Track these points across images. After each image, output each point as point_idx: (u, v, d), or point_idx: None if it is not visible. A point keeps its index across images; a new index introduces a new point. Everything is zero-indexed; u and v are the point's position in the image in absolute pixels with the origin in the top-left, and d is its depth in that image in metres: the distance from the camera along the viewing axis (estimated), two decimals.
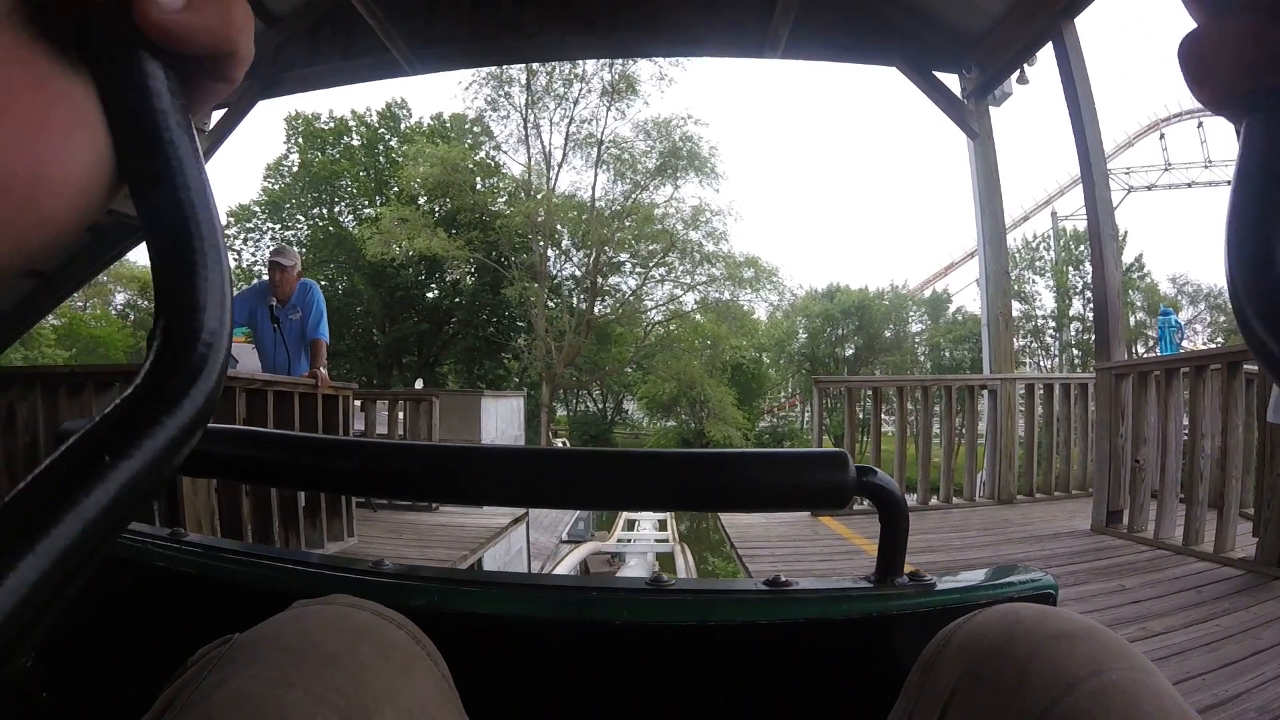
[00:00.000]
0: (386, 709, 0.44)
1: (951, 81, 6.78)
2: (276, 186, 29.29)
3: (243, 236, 28.46)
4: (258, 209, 28.86)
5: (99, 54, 0.27)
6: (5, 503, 0.22)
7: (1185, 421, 4.38)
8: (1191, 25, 0.27)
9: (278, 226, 29.10)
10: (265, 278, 4.94)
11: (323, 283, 26.36)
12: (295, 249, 5.03)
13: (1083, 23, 5.31)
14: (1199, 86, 0.27)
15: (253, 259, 27.51)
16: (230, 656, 0.45)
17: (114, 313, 28.51)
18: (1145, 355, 20.06)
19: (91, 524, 0.22)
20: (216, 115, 6.99)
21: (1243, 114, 0.27)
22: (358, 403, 6.21)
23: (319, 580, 0.67)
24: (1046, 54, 5.66)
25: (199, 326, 0.27)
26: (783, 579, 0.67)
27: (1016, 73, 6.41)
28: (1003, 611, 0.53)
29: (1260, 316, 0.26)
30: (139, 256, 29.29)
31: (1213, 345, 23.43)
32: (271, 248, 23.75)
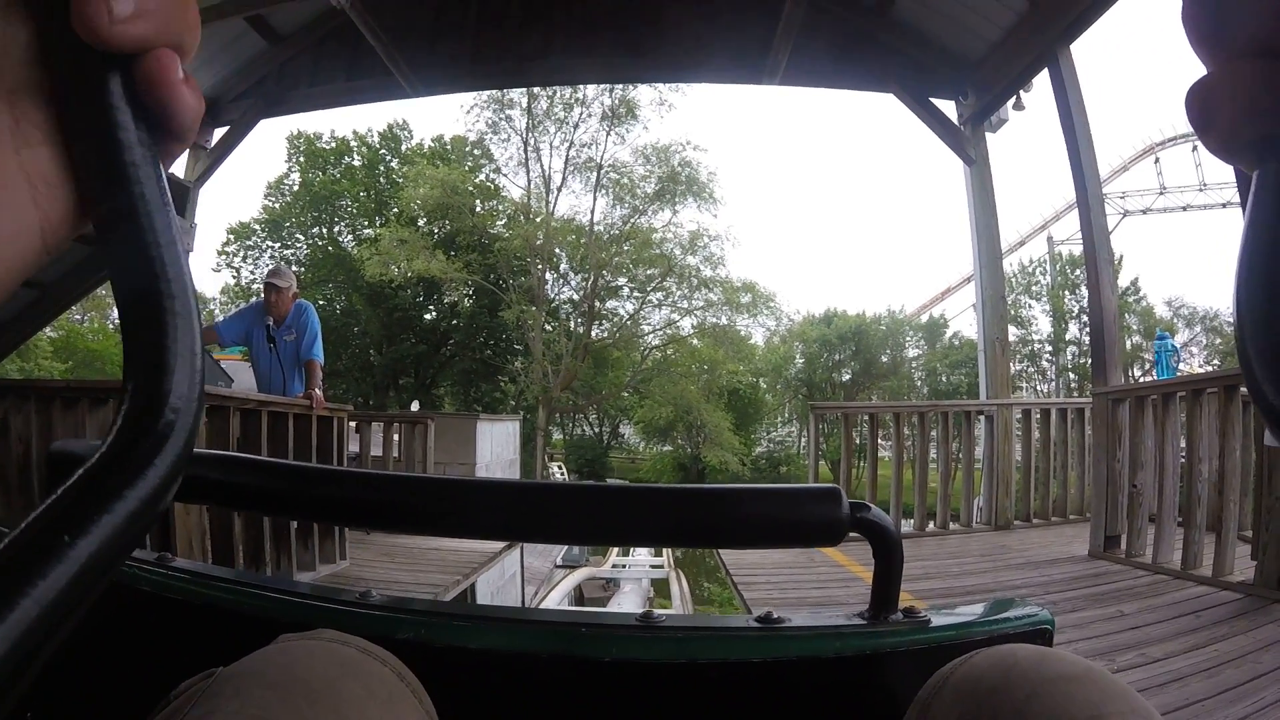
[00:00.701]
0: None
1: (948, 108, 6.85)
2: (277, 205, 29.43)
3: (242, 254, 28.59)
4: (258, 227, 28.98)
5: (79, 111, 0.26)
6: None
7: (1183, 445, 4.37)
8: (1200, 71, 0.26)
9: (277, 245, 29.20)
10: (261, 298, 4.95)
11: (321, 302, 26.43)
12: (291, 270, 5.06)
13: (1078, 49, 5.37)
14: (1207, 134, 0.26)
15: (251, 277, 27.60)
16: (214, 691, 0.44)
17: (111, 326, 28.47)
18: (1142, 379, 20.09)
19: (50, 606, 0.22)
20: (218, 133, 7.04)
21: (1254, 162, 0.26)
22: (353, 424, 6.19)
23: (306, 610, 0.66)
24: (1042, 80, 5.72)
25: (167, 391, 0.26)
26: (775, 615, 0.66)
27: (1013, 99, 6.47)
28: (1001, 653, 0.52)
29: (1271, 378, 0.25)
30: None
31: (1209, 369, 23.53)
32: (270, 266, 23.79)
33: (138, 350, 0.27)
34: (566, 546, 14.00)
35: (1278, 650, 2.72)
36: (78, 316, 26.61)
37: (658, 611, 0.68)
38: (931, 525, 6.02)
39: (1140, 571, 4.21)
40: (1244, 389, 3.77)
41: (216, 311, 25.78)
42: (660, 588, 13.76)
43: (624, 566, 14.32)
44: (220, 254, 28.22)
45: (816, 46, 6.69)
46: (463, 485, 0.66)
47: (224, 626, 0.67)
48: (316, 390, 4.75)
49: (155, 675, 0.50)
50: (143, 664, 0.67)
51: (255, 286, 25.78)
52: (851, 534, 0.62)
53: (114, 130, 0.26)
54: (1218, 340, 27.77)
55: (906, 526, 5.94)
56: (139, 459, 0.25)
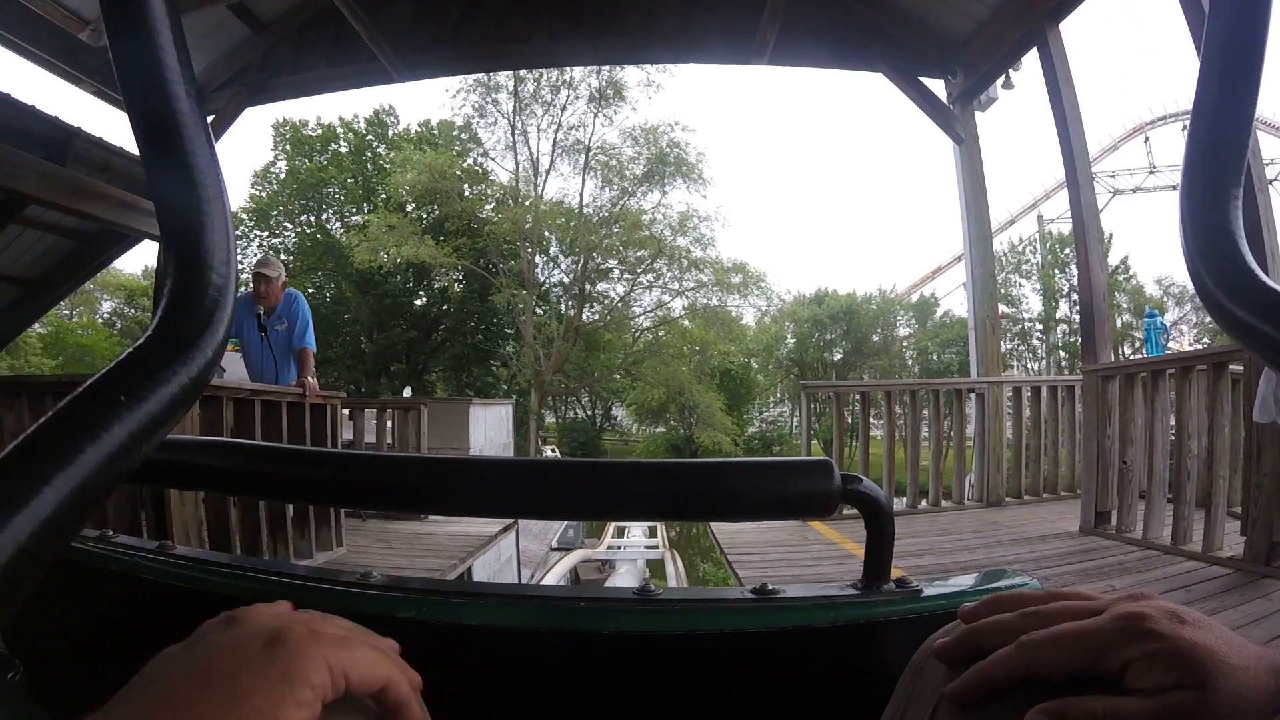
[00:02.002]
0: None
1: (937, 86, 6.82)
2: (264, 194, 29.25)
3: None
4: (245, 216, 28.79)
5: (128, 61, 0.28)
6: (29, 436, 0.23)
7: (1172, 422, 4.40)
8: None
9: (265, 234, 29.04)
10: (250, 288, 4.92)
11: (310, 290, 26.32)
12: (279, 259, 5.07)
13: (1067, 27, 5.35)
14: None
15: (240, 266, 27.20)
16: None
17: (100, 321, 28.38)
18: (1132, 357, 20.20)
19: (108, 458, 0.23)
20: None
21: None
22: (345, 411, 6.18)
23: (307, 593, 0.66)
24: (1031, 59, 5.70)
25: (207, 282, 0.28)
26: (769, 587, 0.67)
27: (1001, 77, 6.45)
28: None
29: (1206, 266, 0.27)
30: (126, 264, 29.12)
31: (1199, 346, 23.65)
32: (259, 256, 23.69)
33: (177, 245, 0.28)
34: (561, 529, 14.04)
35: (1266, 624, 2.75)
36: (66, 312, 26.45)
37: (654, 585, 0.68)
38: (924, 503, 6.06)
39: (1130, 547, 4.24)
40: (1233, 365, 3.81)
41: None
42: (655, 569, 13.80)
43: (619, 548, 14.35)
44: None
45: (804, 26, 6.64)
46: (456, 464, 0.67)
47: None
48: (310, 378, 4.74)
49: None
50: (145, 651, 0.68)
51: (244, 276, 25.61)
52: (845, 509, 0.63)
53: (163, 82, 0.28)
54: (1207, 318, 27.86)
55: (899, 504, 5.96)
56: (186, 337, 0.26)
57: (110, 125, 5.97)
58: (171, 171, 0.29)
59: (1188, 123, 0.56)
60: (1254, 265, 0.45)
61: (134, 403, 0.24)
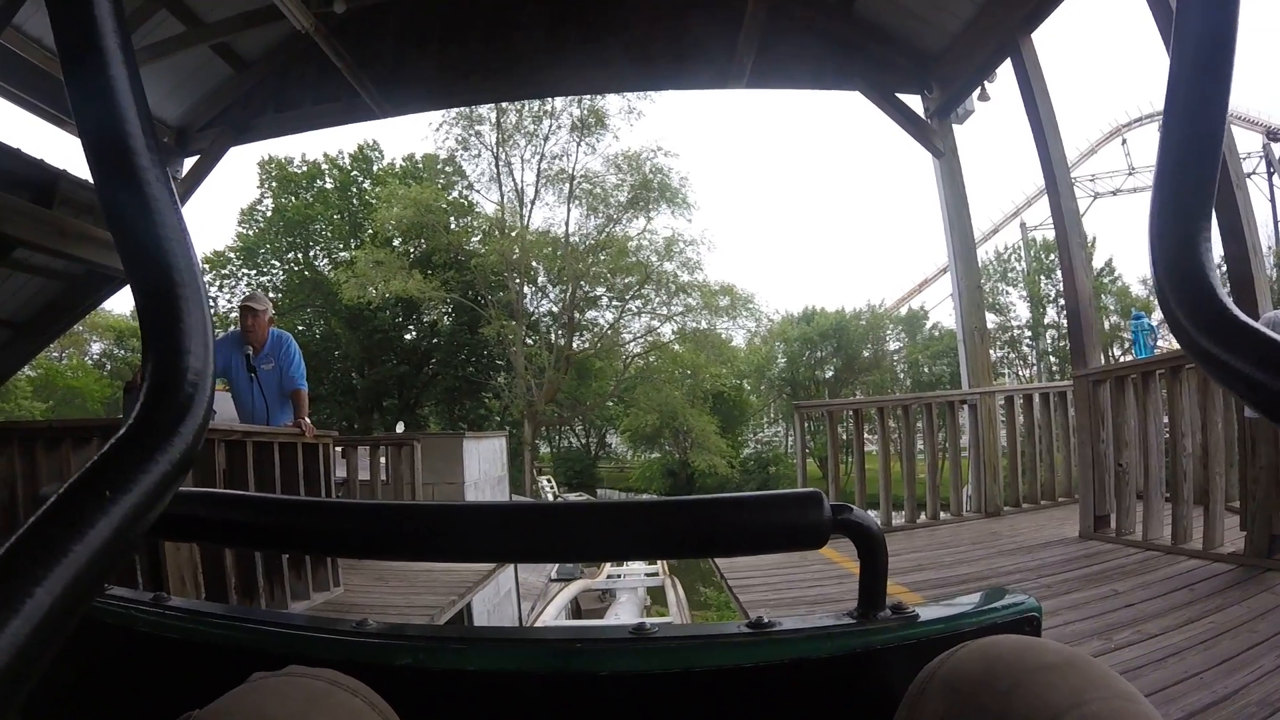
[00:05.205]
0: None
1: (914, 102, 6.90)
2: (251, 232, 29.33)
3: (218, 284, 28.38)
4: (233, 255, 28.83)
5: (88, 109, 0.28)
6: (16, 540, 0.23)
7: (1165, 422, 4.40)
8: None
9: (253, 272, 29.07)
10: (236, 326, 4.90)
11: (300, 328, 26.34)
12: (266, 294, 5.09)
13: (1039, 36, 5.42)
14: None
15: (229, 305, 27.45)
16: None
17: (90, 362, 28.29)
18: (1122, 359, 20.27)
19: (94, 555, 0.23)
20: (189, 162, 6.99)
21: None
22: (339, 449, 6.14)
23: (304, 643, 0.66)
24: (1006, 70, 5.77)
25: (185, 367, 0.28)
26: (766, 620, 0.67)
27: (977, 90, 6.53)
28: (985, 645, 0.53)
29: (1179, 303, 0.27)
30: (115, 305, 29.11)
31: None
32: (246, 293, 23.65)
33: (154, 332, 0.29)
34: None
35: (1272, 618, 2.74)
36: (56, 354, 26.36)
37: (650, 622, 0.68)
38: (923, 516, 6.04)
39: (1131, 549, 4.23)
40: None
41: None
42: (656, 595, 13.75)
43: (619, 577, 14.30)
44: None
45: (781, 48, 6.73)
46: (450, 510, 0.67)
47: (224, 662, 0.67)
48: (306, 419, 4.72)
49: (159, 714, 0.50)
50: (145, 705, 0.67)
51: (233, 315, 25.66)
52: (837, 535, 0.63)
53: (127, 139, 0.28)
54: None
55: (898, 519, 5.95)
56: (166, 425, 0.27)
57: None
58: (147, 263, 0.29)
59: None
60: (1228, 301, 0.46)
61: (119, 496, 0.25)
